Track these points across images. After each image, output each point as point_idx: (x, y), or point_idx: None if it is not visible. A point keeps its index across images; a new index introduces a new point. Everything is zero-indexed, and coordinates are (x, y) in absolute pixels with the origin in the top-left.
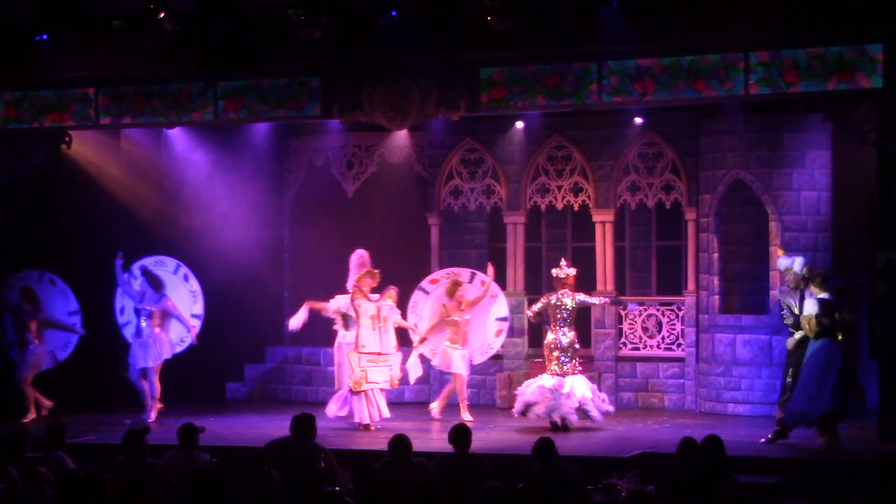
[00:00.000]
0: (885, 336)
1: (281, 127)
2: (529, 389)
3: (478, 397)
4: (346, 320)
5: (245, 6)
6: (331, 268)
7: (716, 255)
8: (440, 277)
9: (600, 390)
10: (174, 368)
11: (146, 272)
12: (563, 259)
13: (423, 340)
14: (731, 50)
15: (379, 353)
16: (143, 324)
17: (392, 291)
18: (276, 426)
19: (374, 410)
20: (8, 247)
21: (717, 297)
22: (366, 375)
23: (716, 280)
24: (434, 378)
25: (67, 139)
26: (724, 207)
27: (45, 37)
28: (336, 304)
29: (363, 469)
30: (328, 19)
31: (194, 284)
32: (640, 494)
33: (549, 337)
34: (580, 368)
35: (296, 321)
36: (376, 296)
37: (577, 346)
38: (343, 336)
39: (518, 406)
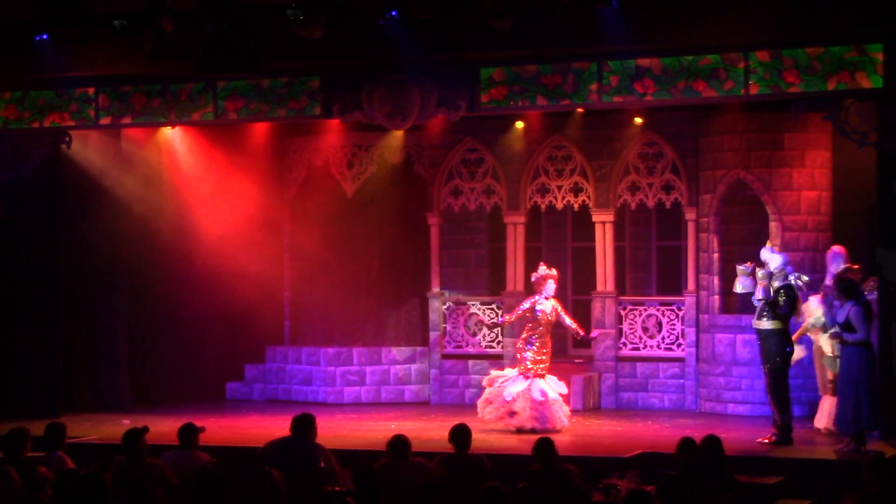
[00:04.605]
0: (884, 336)
1: (281, 127)
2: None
3: (477, 397)
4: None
5: (245, 6)
6: (330, 267)
7: (716, 255)
8: None
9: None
10: (174, 368)
11: None
12: (541, 263)
13: None
14: (731, 50)
15: None
16: None
17: (871, 283)
18: (276, 426)
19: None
20: (9, 246)
21: (717, 297)
22: None
23: (716, 280)
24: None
25: (67, 139)
26: (724, 207)
27: (45, 37)
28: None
29: (363, 469)
30: (328, 19)
31: None
32: (640, 494)
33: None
34: (542, 372)
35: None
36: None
37: (545, 351)
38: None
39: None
